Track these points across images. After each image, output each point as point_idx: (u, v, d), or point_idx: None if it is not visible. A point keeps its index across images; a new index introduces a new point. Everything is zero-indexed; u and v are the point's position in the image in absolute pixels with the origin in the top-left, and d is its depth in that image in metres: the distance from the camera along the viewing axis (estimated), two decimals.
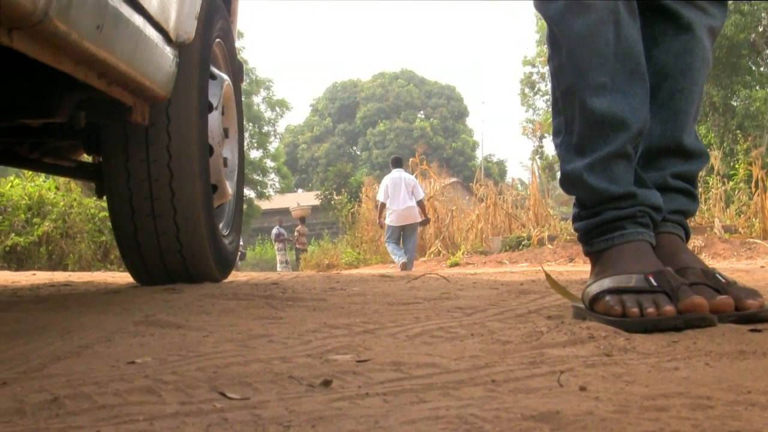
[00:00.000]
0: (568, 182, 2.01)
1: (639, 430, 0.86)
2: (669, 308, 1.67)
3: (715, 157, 15.23)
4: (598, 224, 1.95)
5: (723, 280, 1.86)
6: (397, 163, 13.42)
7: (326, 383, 1.17)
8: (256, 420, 0.95)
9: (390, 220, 12.90)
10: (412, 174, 15.69)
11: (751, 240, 11.55)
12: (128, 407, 1.03)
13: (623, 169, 1.93)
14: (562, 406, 0.93)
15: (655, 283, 1.74)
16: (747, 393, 1.04)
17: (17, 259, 13.24)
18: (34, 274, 6.08)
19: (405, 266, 12.30)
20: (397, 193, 12.80)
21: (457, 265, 13.83)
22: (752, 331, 1.62)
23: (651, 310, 1.68)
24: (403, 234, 13.05)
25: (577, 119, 1.97)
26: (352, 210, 21.64)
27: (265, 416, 0.97)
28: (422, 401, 1.01)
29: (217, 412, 1.01)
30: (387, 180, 13.11)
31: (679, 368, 1.25)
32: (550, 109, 2.18)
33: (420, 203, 13.10)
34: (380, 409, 0.98)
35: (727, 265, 7.37)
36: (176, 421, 0.96)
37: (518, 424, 0.88)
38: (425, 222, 13.92)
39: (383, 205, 13.10)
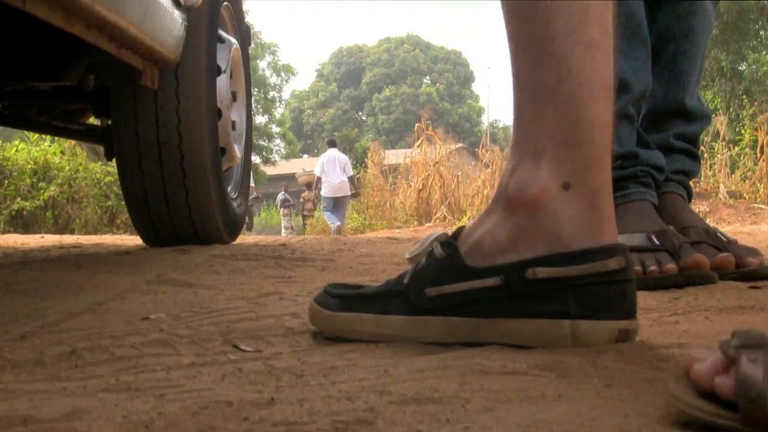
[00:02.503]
0: None
1: (640, 377, 0.89)
2: (671, 266, 1.70)
3: (721, 122, 15.15)
4: None
5: (724, 239, 1.89)
6: (332, 144, 16.18)
7: (337, 337, 1.20)
8: (270, 370, 0.98)
9: (325, 191, 15.25)
10: (417, 139, 16.67)
11: (756, 205, 11.53)
12: (145, 358, 1.06)
13: (625, 130, 1.95)
14: (566, 357, 0.96)
15: (657, 242, 1.77)
16: None
17: (23, 224, 13.26)
18: (43, 237, 6.10)
19: (339, 230, 14.56)
20: (332, 169, 15.21)
21: None
22: (752, 288, 1.65)
23: (653, 267, 1.71)
24: (335, 204, 15.44)
25: None
26: (357, 176, 21.56)
27: (278, 366, 1.00)
28: (430, 353, 1.04)
29: (232, 363, 1.03)
30: (323, 158, 15.63)
31: (680, 322, 1.28)
32: None
33: (351, 179, 15.52)
34: (390, 360, 1.01)
35: (732, 229, 7.39)
36: (192, 371, 0.99)
37: (524, 372, 0.91)
38: (355, 195, 16.38)
39: (319, 179, 15.41)
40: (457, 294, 1.06)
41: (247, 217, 14.76)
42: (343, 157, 15.96)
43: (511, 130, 1.11)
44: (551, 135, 1.04)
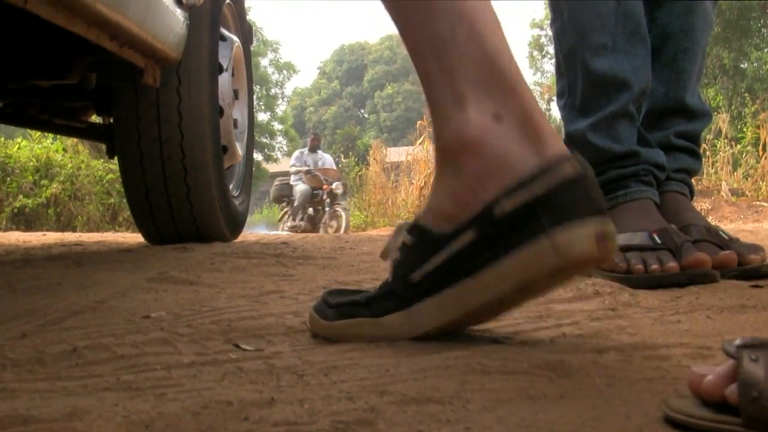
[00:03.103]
0: (572, 142, 2.03)
1: (642, 377, 0.89)
2: (672, 264, 1.70)
3: (723, 120, 15.12)
4: (602, 183, 1.97)
5: (726, 237, 1.89)
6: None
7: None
8: (271, 369, 0.98)
9: None
10: (419, 137, 17.19)
11: (758, 203, 11.51)
12: (146, 357, 1.06)
13: (626, 129, 1.96)
14: (567, 355, 0.96)
15: (659, 240, 1.76)
16: None
17: (25, 221, 13.26)
18: (45, 234, 6.10)
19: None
20: None
21: None
22: (754, 286, 1.64)
23: (655, 266, 1.71)
24: None
25: (579, 80, 1.99)
26: (359, 173, 21.51)
27: (279, 365, 1.00)
28: (431, 352, 1.04)
29: (232, 362, 1.03)
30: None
31: (681, 321, 1.28)
32: None
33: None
34: (391, 359, 1.00)
35: (734, 227, 7.39)
36: (193, 369, 0.99)
37: (525, 371, 0.91)
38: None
39: None
40: (440, 266, 1.06)
41: (337, 217, 14.95)
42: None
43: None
44: (464, 78, 1.05)
